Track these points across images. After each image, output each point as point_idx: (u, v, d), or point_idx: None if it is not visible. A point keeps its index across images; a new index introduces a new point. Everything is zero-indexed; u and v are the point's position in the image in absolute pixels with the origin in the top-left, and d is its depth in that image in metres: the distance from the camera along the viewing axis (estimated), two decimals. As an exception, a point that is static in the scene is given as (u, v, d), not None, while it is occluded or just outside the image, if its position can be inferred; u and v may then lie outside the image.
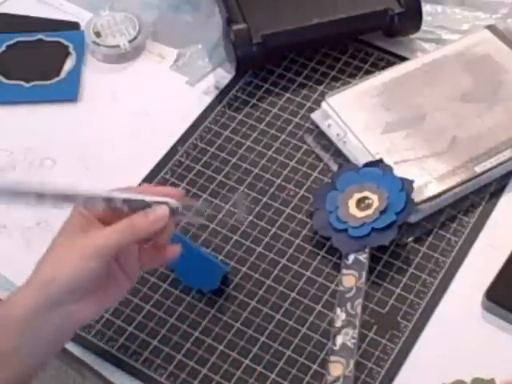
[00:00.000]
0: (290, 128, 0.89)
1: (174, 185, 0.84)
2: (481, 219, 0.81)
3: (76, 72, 0.94)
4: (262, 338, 0.74)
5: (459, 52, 0.90)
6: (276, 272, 0.78)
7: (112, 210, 0.65)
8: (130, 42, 0.95)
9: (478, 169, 0.80)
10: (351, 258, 0.76)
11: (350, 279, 0.75)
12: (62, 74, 0.94)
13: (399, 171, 0.79)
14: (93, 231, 0.64)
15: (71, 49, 0.96)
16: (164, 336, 0.74)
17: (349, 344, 0.71)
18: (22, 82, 0.93)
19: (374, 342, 0.73)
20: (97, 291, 0.64)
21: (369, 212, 0.77)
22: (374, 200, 0.78)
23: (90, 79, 0.94)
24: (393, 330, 0.74)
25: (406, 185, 0.77)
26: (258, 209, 0.82)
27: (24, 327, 0.62)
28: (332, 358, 0.71)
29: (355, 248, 0.76)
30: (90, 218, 0.65)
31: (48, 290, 0.62)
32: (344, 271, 0.76)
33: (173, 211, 0.65)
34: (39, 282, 0.63)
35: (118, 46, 0.95)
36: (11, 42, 0.96)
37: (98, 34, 0.95)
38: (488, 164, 0.81)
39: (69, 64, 0.95)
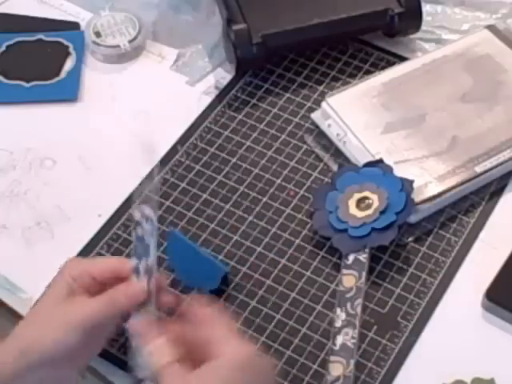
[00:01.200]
0: (290, 128, 0.89)
1: (173, 185, 0.84)
2: (481, 219, 0.81)
3: (76, 72, 0.94)
4: (262, 338, 0.74)
5: (459, 52, 0.90)
6: (276, 272, 0.78)
7: None
8: (129, 42, 0.95)
9: (478, 169, 0.80)
10: (351, 257, 0.76)
11: (349, 279, 0.75)
12: (62, 74, 0.94)
13: (399, 171, 0.79)
14: (78, 301, 0.66)
15: (71, 49, 0.96)
16: (164, 336, 0.74)
17: (349, 344, 0.71)
18: (22, 82, 0.93)
19: (374, 342, 0.73)
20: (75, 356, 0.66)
21: (369, 212, 0.77)
22: (374, 200, 0.78)
23: (89, 79, 0.94)
24: (393, 330, 0.74)
25: (406, 185, 0.77)
26: (258, 209, 0.82)
27: None
28: (332, 358, 0.71)
29: (355, 248, 0.76)
30: (76, 286, 0.67)
31: (29, 357, 0.64)
32: (344, 271, 0.76)
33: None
34: (20, 348, 0.64)
35: (118, 46, 0.95)
36: (11, 42, 0.96)
37: (98, 34, 0.96)
38: (488, 164, 0.81)
39: (69, 64, 0.95)
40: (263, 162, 0.86)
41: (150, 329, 0.64)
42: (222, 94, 0.92)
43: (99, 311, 0.65)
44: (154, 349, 0.62)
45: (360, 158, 0.82)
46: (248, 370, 0.61)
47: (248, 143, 0.88)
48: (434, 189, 0.79)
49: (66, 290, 0.67)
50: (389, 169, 0.79)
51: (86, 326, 0.64)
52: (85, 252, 0.80)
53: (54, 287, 0.68)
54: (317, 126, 0.88)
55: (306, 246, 0.79)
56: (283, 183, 0.84)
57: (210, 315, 0.65)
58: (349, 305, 0.74)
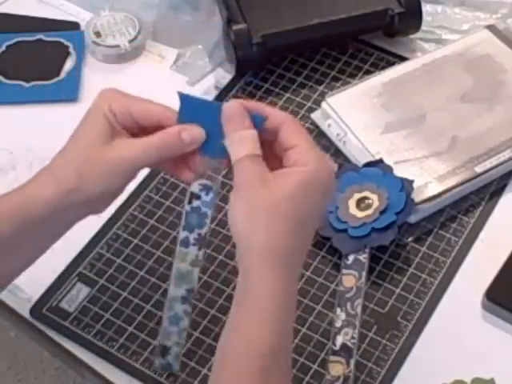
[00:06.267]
0: (290, 128, 0.88)
1: (173, 185, 0.84)
2: (481, 219, 0.81)
3: (76, 72, 0.94)
4: (262, 338, 0.74)
5: (459, 52, 0.90)
6: (276, 272, 0.78)
7: None
8: (129, 42, 0.95)
9: (478, 169, 0.80)
10: (351, 258, 0.76)
11: (349, 279, 0.75)
12: (62, 74, 0.94)
13: (399, 171, 0.79)
14: (123, 144, 0.62)
15: (71, 49, 0.96)
16: (164, 336, 0.74)
17: (349, 344, 0.71)
18: (21, 82, 0.93)
19: (374, 342, 0.73)
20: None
21: (369, 212, 0.77)
22: (374, 200, 0.78)
23: (90, 79, 0.94)
24: (393, 330, 0.74)
25: (406, 185, 0.78)
26: (258, 209, 0.82)
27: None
28: (332, 358, 0.71)
29: (355, 248, 0.76)
30: (116, 124, 0.63)
31: (70, 197, 0.62)
32: (344, 271, 0.76)
33: None
34: (62, 189, 0.63)
35: (118, 46, 0.95)
36: (11, 41, 0.96)
37: (98, 34, 0.96)
38: (488, 164, 0.81)
39: (69, 64, 0.95)
40: (263, 161, 0.86)
41: (243, 117, 0.60)
42: (222, 93, 0.92)
43: (148, 155, 0.62)
44: (242, 137, 0.59)
45: (360, 158, 0.82)
46: (327, 188, 0.60)
47: (248, 143, 0.87)
48: (433, 189, 0.79)
49: (108, 127, 0.62)
50: (389, 169, 0.79)
51: (131, 169, 0.62)
52: (85, 252, 0.80)
53: (94, 121, 0.63)
54: (317, 126, 0.88)
55: (306, 245, 0.79)
56: (283, 183, 0.84)
57: (294, 122, 0.61)
58: (349, 305, 0.74)
